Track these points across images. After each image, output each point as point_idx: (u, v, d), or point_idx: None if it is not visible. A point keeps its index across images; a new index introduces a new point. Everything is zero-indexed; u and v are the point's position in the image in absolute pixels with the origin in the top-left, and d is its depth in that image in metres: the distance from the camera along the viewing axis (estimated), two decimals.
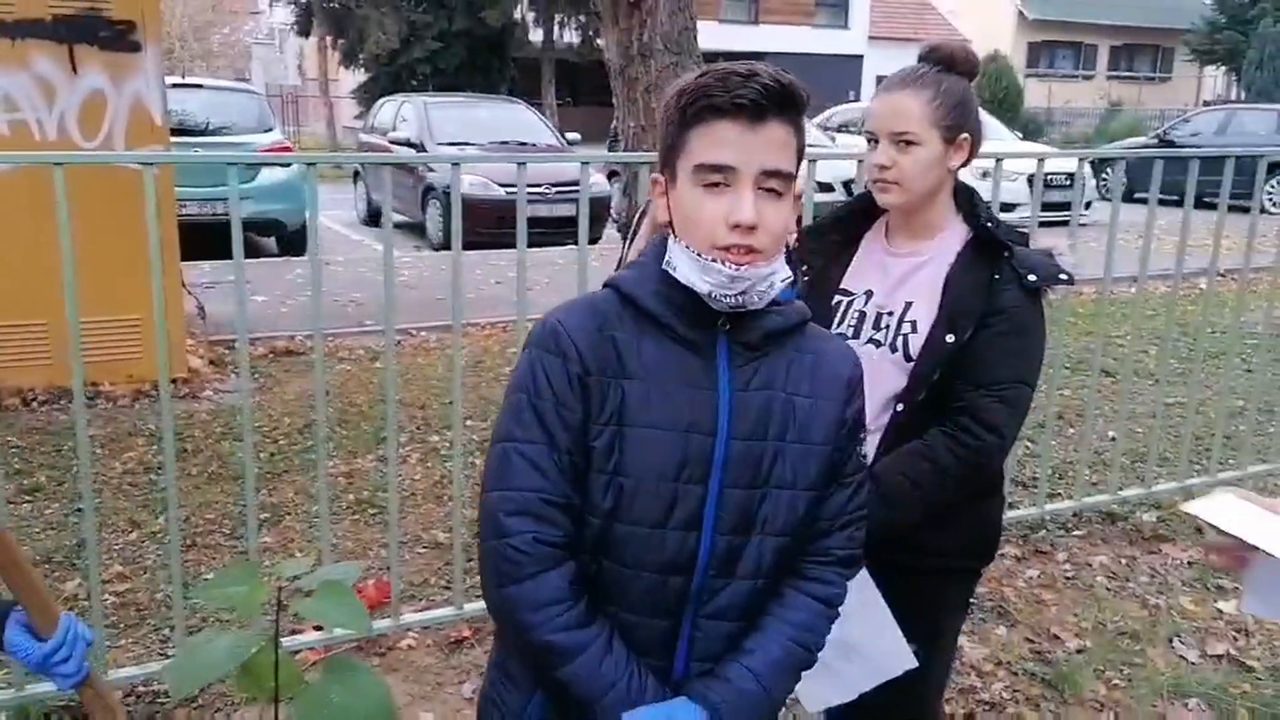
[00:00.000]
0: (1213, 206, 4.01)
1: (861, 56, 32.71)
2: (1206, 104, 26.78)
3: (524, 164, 2.97)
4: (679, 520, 1.32)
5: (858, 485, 1.45)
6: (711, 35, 24.83)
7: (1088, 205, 10.83)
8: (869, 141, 1.87)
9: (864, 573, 1.88)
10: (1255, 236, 4.21)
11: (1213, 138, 16.06)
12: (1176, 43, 34.77)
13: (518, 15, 24.79)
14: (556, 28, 25.50)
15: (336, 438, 4.91)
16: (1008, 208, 9.13)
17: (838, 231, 2.00)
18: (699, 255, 1.28)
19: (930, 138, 1.81)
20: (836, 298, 1.93)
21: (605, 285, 1.39)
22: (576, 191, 3.15)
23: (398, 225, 12.82)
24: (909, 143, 1.80)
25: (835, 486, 1.41)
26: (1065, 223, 3.81)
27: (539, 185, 9.99)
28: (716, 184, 1.27)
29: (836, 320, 1.91)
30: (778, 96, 1.26)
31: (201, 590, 2.62)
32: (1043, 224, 3.82)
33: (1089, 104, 33.36)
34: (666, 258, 1.34)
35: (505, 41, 24.71)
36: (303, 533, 3.94)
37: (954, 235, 1.89)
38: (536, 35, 25.55)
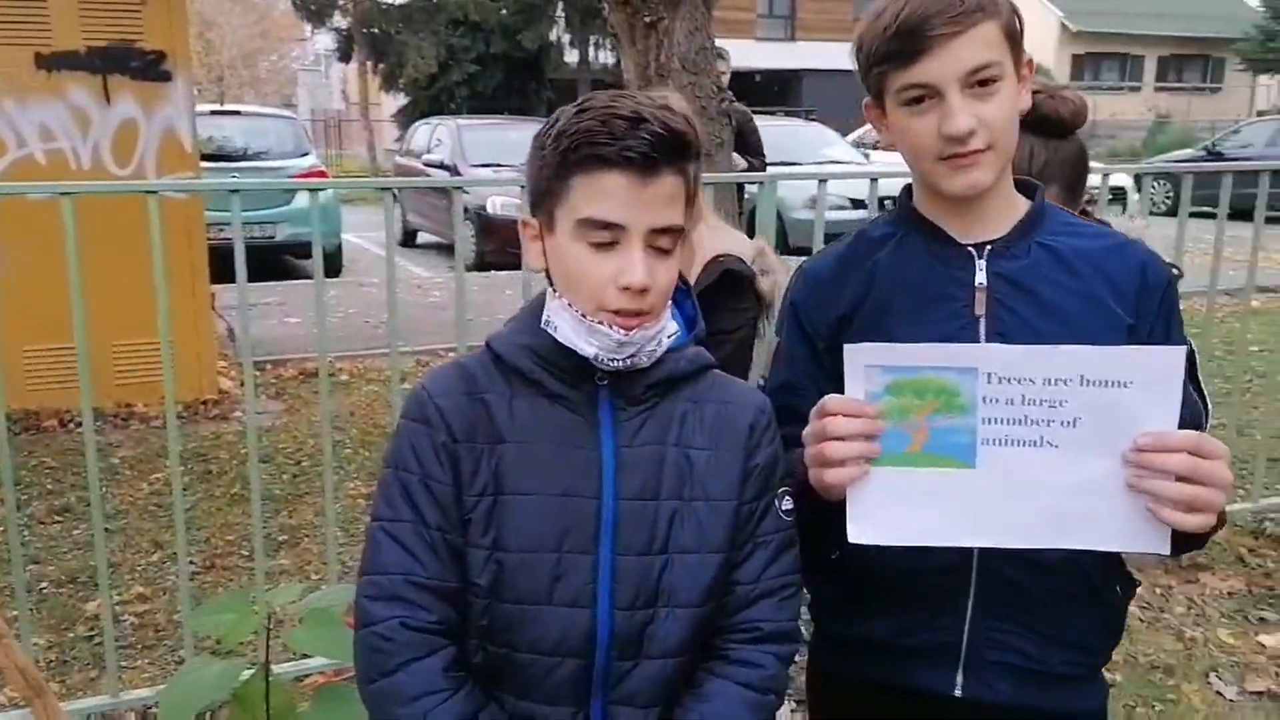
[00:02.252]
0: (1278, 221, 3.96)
1: None
2: (1261, 114, 26.12)
3: (525, 187, 3.00)
4: (567, 595, 1.18)
5: (780, 546, 1.27)
6: (748, 54, 24.80)
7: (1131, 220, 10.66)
8: None
9: None
10: None
11: (1264, 150, 15.70)
12: (1227, 52, 34.04)
13: (554, 37, 25.00)
14: (592, 49, 25.67)
15: (359, 459, 4.93)
16: None
17: None
18: (583, 316, 1.18)
19: None
20: None
21: (486, 344, 1.29)
22: None
23: (433, 246, 12.94)
24: None
25: (751, 546, 1.25)
26: None
27: None
28: (604, 241, 1.16)
29: None
30: (669, 146, 1.14)
31: (194, 618, 2.62)
32: None
33: (1136, 116, 32.80)
34: (545, 315, 1.23)
35: (542, 63, 24.93)
36: (319, 555, 3.94)
37: None
38: (572, 56, 25.73)
